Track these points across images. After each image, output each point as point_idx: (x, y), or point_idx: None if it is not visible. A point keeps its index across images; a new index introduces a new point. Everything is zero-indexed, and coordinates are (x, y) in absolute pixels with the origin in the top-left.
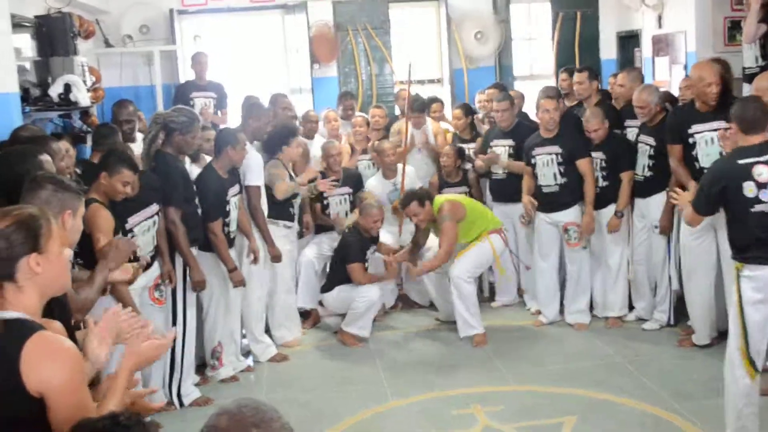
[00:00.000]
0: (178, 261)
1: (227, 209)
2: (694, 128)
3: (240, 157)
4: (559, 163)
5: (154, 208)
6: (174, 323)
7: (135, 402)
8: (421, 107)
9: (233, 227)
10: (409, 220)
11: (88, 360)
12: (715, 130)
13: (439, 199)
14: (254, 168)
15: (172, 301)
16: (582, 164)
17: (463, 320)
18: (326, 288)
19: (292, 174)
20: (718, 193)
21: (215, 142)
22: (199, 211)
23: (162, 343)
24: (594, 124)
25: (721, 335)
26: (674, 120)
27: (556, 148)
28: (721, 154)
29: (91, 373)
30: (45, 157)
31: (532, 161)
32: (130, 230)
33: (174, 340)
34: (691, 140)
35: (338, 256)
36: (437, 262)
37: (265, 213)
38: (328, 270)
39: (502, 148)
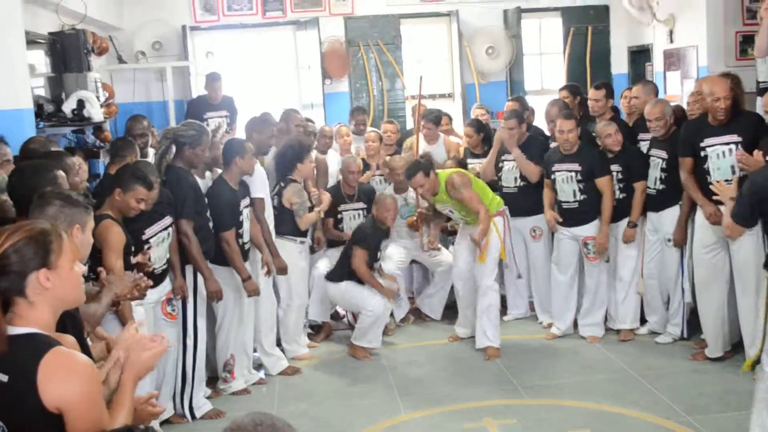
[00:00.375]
0: (188, 273)
1: (240, 220)
2: (706, 141)
3: (249, 165)
4: (578, 181)
5: (168, 220)
6: (185, 336)
7: (137, 408)
8: (436, 119)
9: (246, 238)
10: (425, 230)
11: (105, 386)
12: (727, 143)
13: (444, 172)
14: (257, 181)
15: (183, 313)
16: (601, 182)
17: (483, 331)
18: (333, 277)
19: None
20: (756, 204)
21: (223, 155)
22: (210, 224)
23: (158, 350)
24: (609, 129)
25: (734, 349)
26: (686, 133)
27: (576, 166)
28: (732, 167)
29: (106, 397)
30: (59, 173)
31: (552, 177)
32: (147, 241)
33: (185, 353)
34: (702, 153)
35: (350, 242)
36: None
37: (270, 226)
38: (339, 257)
39: (512, 162)
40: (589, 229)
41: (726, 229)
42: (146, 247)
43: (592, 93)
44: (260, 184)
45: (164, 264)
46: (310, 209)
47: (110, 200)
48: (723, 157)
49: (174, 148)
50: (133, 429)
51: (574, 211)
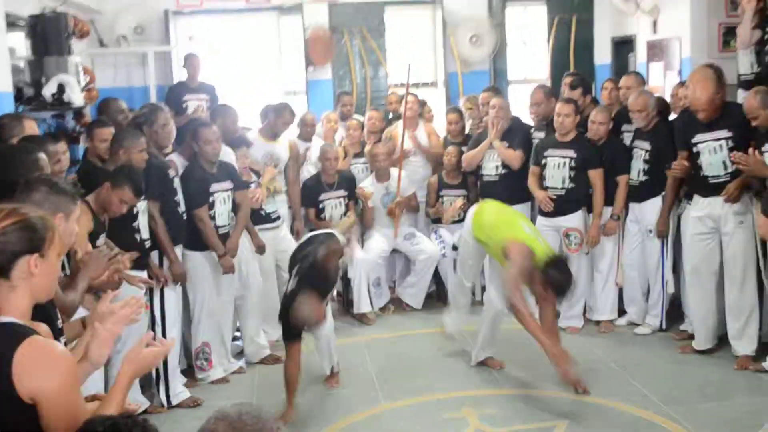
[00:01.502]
0: (155, 259)
1: (211, 201)
2: (697, 138)
3: (208, 149)
4: (571, 168)
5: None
6: (153, 324)
7: None
8: (420, 100)
9: (220, 222)
10: (404, 221)
11: (87, 360)
12: (717, 139)
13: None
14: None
15: (150, 301)
16: (594, 174)
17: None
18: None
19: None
20: None
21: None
22: (180, 209)
23: (160, 350)
24: (601, 117)
25: (720, 341)
26: (679, 126)
27: (571, 153)
28: (724, 162)
29: (89, 373)
30: (41, 155)
31: (543, 162)
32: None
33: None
34: (695, 149)
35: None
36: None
37: None
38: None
39: (493, 150)
40: (570, 220)
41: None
42: (135, 211)
43: (567, 93)
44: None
45: (149, 238)
46: None
47: (98, 191)
48: (714, 152)
49: None
50: (132, 417)
51: (559, 200)
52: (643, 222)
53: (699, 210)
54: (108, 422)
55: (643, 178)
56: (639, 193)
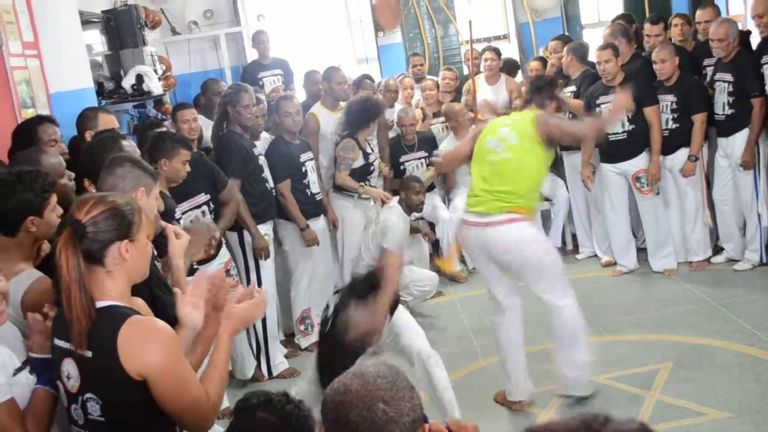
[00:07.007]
0: (245, 234)
1: (303, 170)
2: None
3: (288, 121)
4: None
5: (203, 198)
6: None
7: (243, 308)
8: (497, 50)
9: (315, 189)
10: None
11: (185, 327)
12: None
13: None
14: None
15: (246, 275)
16: (649, 112)
17: None
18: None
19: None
20: None
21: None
22: (269, 185)
23: (257, 302)
24: (663, 54)
25: None
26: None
27: None
28: None
29: (190, 337)
30: (128, 143)
31: (597, 110)
32: (178, 219)
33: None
34: None
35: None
36: None
37: None
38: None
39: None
40: (638, 163)
41: None
42: (175, 224)
43: (648, 28)
44: None
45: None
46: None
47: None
48: None
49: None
50: (287, 395)
51: (622, 143)
52: (733, 156)
53: None
54: (263, 397)
55: (728, 111)
56: (726, 127)
